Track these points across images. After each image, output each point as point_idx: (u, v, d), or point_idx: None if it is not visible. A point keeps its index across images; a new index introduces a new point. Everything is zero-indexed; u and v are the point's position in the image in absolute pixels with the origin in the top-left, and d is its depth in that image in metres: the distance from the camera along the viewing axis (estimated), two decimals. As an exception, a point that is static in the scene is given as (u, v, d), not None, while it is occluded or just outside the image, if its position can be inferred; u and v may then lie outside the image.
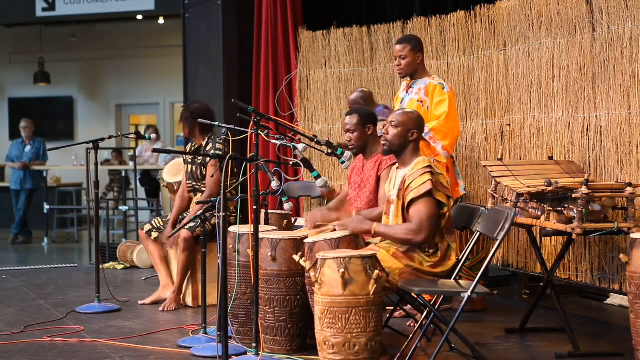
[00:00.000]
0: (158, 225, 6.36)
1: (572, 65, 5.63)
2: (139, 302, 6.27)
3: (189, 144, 6.46)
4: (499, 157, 5.65)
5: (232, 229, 4.91)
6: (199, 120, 5.80)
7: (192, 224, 5.94)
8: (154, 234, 6.32)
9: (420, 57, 5.67)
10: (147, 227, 6.39)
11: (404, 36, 6.01)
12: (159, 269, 6.39)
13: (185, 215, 6.31)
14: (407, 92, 5.74)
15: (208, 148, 6.13)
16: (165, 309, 6.00)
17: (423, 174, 4.35)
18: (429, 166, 4.40)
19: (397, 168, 4.62)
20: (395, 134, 4.50)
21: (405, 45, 5.63)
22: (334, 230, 4.69)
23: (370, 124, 5.05)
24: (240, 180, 4.62)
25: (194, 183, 6.25)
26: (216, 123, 5.08)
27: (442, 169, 5.41)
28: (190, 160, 6.29)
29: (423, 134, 5.42)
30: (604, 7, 5.35)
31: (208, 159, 6.05)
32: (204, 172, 6.18)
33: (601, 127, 5.39)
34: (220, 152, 6.03)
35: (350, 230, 4.48)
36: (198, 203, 5.84)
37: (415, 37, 5.87)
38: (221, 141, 6.09)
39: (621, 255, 4.10)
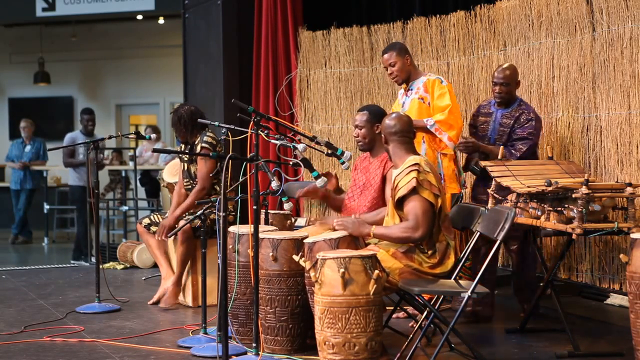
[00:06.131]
0: (157, 220, 6.37)
1: (572, 65, 5.63)
2: (149, 302, 6.26)
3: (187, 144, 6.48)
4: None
5: (231, 229, 4.91)
6: (199, 120, 5.82)
7: (190, 217, 5.95)
8: (153, 229, 6.33)
9: (408, 59, 5.72)
10: (146, 221, 6.40)
11: (388, 46, 6.00)
12: (159, 261, 6.39)
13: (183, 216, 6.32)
14: (406, 95, 5.76)
15: (196, 142, 6.16)
16: (166, 305, 5.99)
17: (409, 172, 4.39)
18: (416, 164, 4.42)
19: (393, 169, 4.65)
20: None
21: (391, 53, 5.71)
22: (334, 230, 4.69)
23: (379, 123, 5.08)
24: (240, 180, 4.62)
25: (190, 181, 6.27)
26: (216, 123, 5.08)
27: (450, 161, 5.50)
28: (186, 159, 6.32)
29: (428, 126, 5.47)
30: (604, 7, 5.35)
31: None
32: (193, 169, 6.22)
33: (601, 127, 5.39)
34: (208, 146, 6.04)
35: (349, 233, 4.49)
36: (198, 203, 5.85)
37: (398, 42, 6.00)
38: (211, 135, 6.12)
39: (621, 255, 4.10)
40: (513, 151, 5.47)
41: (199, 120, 5.86)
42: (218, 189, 6.12)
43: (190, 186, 6.27)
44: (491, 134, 5.58)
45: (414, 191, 4.35)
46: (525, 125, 5.48)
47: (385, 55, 5.73)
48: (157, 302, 6.23)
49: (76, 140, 9.07)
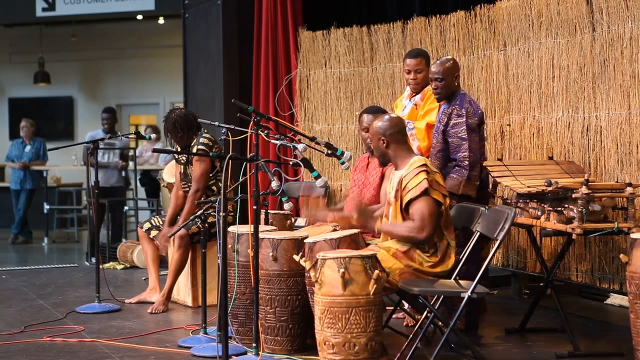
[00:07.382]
0: (157, 223, 6.36)
1: (572, 65, 5.63)
2: (126, 300, 6.28)
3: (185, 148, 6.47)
4: (499, 157, 5.65)
5: (231, 229, 4.91)
6: (200, 120, 5.81)
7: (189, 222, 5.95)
8: (153, 233, 6.32)
9: (429, 71, 5.58)
10: (147, 225, 6.39)
11: (416, 50, 5.87)
12: (149, 271, 6.40)
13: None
14: (409, 99, 5.76)
15: (193, 144, 6.14)
16: (154, 311, 5.98)
17: (419, 173, 4.38)
18: (424, 165, 4.42)
19: (394, 170, 4.64)
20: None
21: (422, 59, 5.63)
22: (334, 230, 4.69)
23: None
24: (240, 180, 4.62)
25: (188, 183, 6.26)
26: (216, 123, 5.08)
27: None
28: (183, 161, 6.31)
29: (407, 129, 5.45)
30: (604, 7, 5.35)
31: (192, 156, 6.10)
32: (190, 170, 6.20)
33: (601, 127, 5.39)
34: (204, 148, 6.03)
35: (357, 221, 4.50)
36: (198, 203, 5.85)
37: (425, 51, 5.86)
38: (207, 137, 6.09)
39: (621, 255, 4.10)
40: (461, 169, 5.11)
41: (200, 120, 5.86)
42: (215, 189, 6.12)
43: (188, 188, 6.27)
44: (435, 131, 5.40)
45: (425, 192, 4.35)
46: (456, 124, 5.13)
47: (414, 60, 5.61)
48: (134, 303, 6.27)
49: (95, 138, 9.08)
